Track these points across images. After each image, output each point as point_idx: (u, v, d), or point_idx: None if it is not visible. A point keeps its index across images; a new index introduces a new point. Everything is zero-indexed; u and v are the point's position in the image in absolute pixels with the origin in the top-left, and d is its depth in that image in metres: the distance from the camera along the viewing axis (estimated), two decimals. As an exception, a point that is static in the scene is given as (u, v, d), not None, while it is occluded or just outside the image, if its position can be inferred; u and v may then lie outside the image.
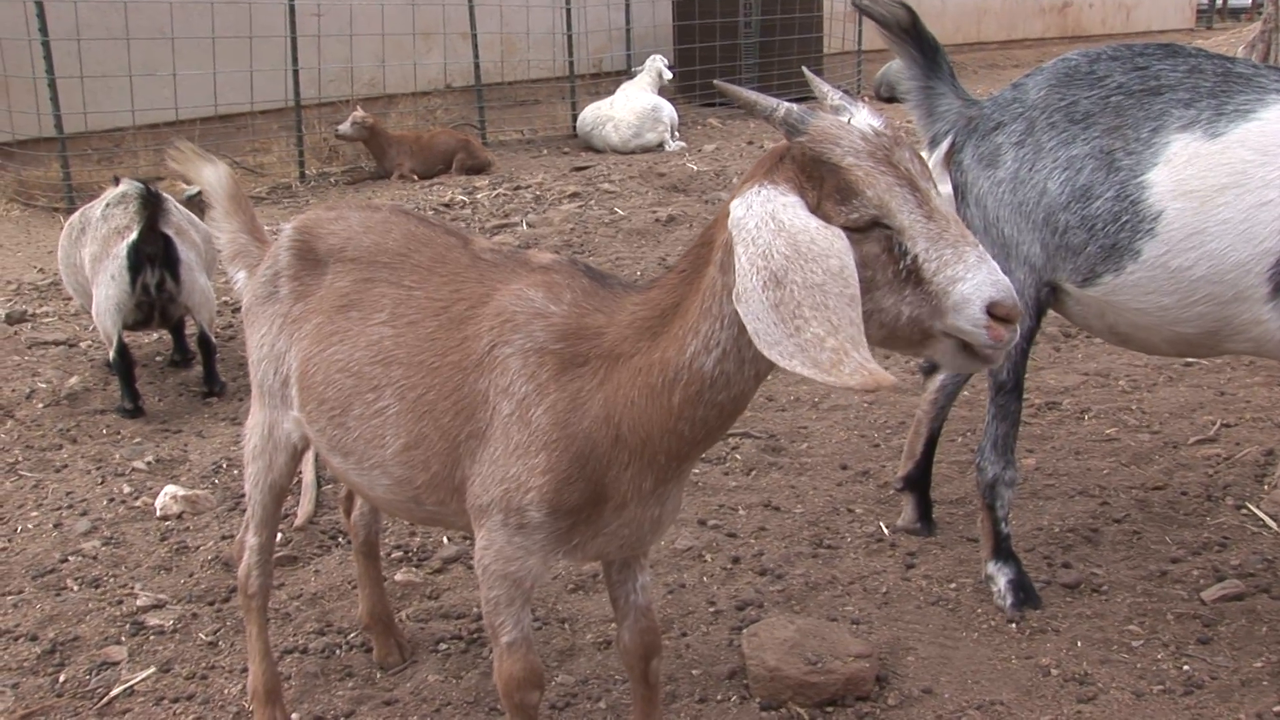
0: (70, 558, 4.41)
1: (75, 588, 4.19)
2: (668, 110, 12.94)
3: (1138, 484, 4.26)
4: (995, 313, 1.90)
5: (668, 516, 2.48)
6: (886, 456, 4.63)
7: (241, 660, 3.65)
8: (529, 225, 9.26)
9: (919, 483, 4.08)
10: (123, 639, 3.81)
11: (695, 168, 11.00)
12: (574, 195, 10.34)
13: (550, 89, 14.82)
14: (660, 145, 12.77)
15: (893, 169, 1.95)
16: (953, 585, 3.69)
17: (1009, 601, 3.49)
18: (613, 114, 12.95)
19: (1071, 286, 3.29)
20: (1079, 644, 3.32)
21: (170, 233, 5.73)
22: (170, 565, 4.29)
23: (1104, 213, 3.14)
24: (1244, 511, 4.03)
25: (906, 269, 1.95)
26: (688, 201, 9.72)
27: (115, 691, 3.51)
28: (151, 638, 3.82)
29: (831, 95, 2.14)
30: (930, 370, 4.13)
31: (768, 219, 1.95)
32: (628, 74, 14.32)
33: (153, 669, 3.61)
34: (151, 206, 5.58)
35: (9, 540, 4.62)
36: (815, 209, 1.97)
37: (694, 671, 3.33)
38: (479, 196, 10.62)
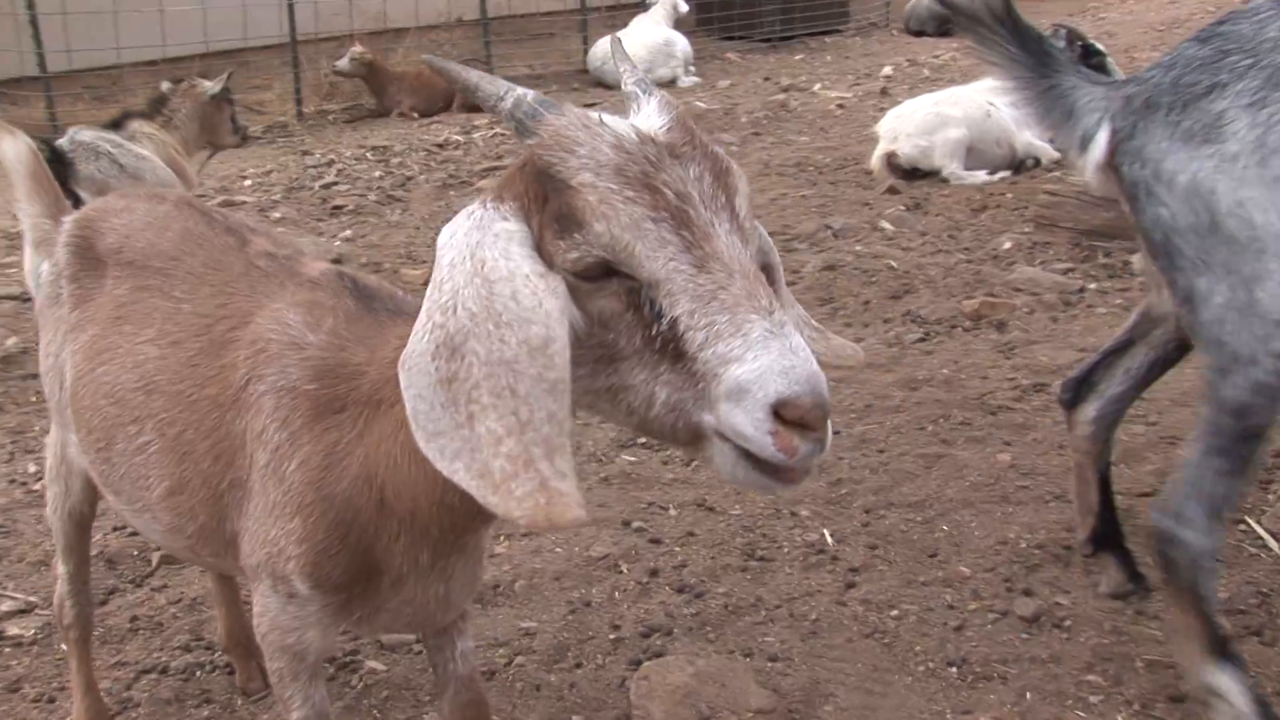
0: (-52, 552, 4.05)
1: (-52, 584, 3.84)
2: (681, 44, 12.32)
3: (1124, 488, 3.68)
4: (785, 414, 1.34)
5: (458, 593, 2.03)
6: (847, 446, 4.11)
7: (104, 674, 3.28)
8: (521, 169, 8.75)
9: (1110, 537, 3.27)
10: (-25, 652, 3.45)
11: (704, 105, 10.42)
12: (573, 136, 9.80)
13: (563, 22, 14.20)
14: (673, 81, 12.17)
15: (649, 194, 1.41)
16: (894, 613, 3.18)
17: None
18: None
19: None
20: (1027, 696, 2.81)
21: (83, 193, 5.30)
22: (52, 561, 3.90)
23: None
24: (1242, 528, 3.46)
25: (662, 337, 1.42)
26: (690, 143, 9.14)
27: (-53, 719, 3.16)
28: (7, 650, 3.45)
29: (628, 77, 1.62)
30: (1074, 401, 3.28)
31: (467, 256, 1.46)
32: (643, 6, 13.64)
33: (-3, 691, 3.25)
34: (56, 169, 5.15)
35: (-104, 529, 4.26)
36: (539, 242, 1.48)
37: (574, 718, 2.88)
38: (475, 136, 10.13)
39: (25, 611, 3.61)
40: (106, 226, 2.45)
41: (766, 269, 1.74)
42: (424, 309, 1.47)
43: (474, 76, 1.55)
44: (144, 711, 3.12)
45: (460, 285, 1.43)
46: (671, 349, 1.41)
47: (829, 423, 1.38)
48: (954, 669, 2.93)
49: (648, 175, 1.42)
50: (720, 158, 1.49)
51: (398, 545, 1.86)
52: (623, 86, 1.60)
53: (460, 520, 1.80)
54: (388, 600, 1.95)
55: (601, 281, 1.44)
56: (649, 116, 1.52)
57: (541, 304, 1.40)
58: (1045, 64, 2.86)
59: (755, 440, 1.36)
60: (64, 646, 2.98)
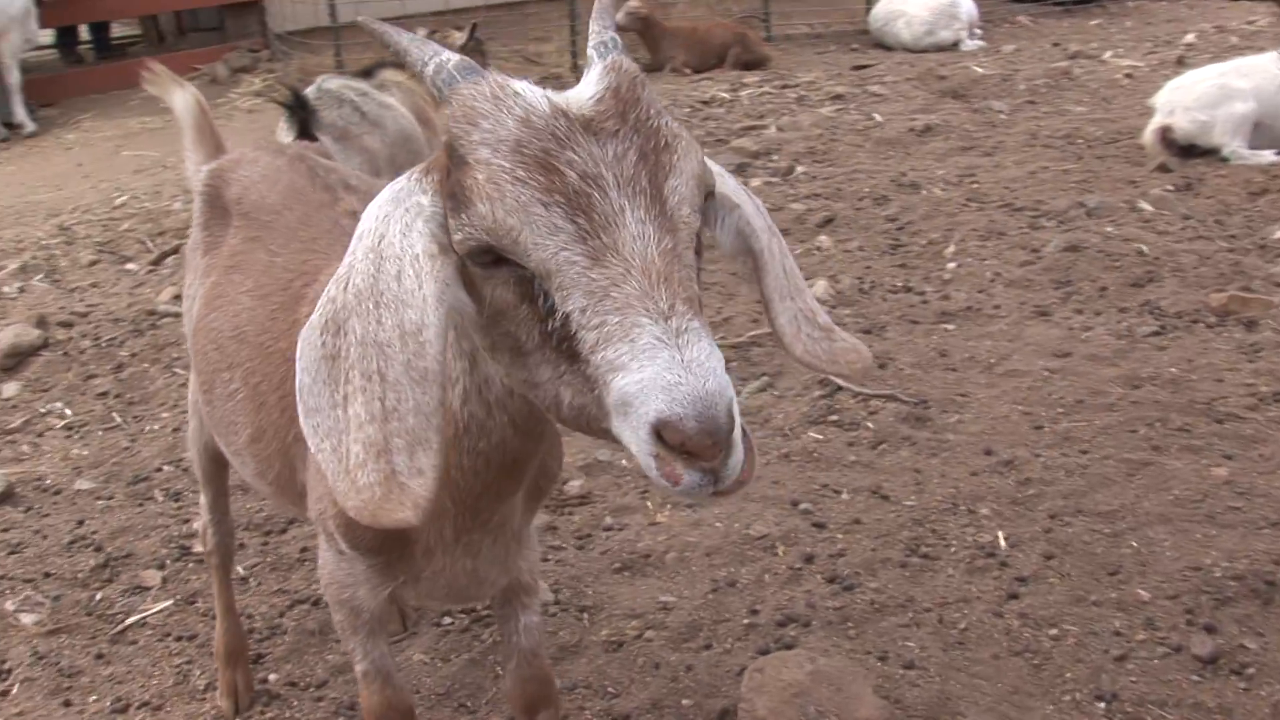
0: (166, 466, 4.34)
1: (159, 499, 4.12)
2: (966, 6, 11.63)
3: (1362, 523, 3.21)
4: (667, 438, 1.19)
5: (488, 570, 1.97)
6: (1046, 443, 3.76)
7: (264, 599, 3.44)
8: (779, 129, 8.55)
9: None
10: (166, 563, 3.69)
11: (981, 71, 9.83)
12: (837, 97, 9.48)
13: (849, -21, 13.73)
14: (955, 44, 11.54)
15: (544, 174, 1.27)
16: (1052, 632, 2.88)
17: None
18: (905, 9, 11.80)
19: None
20: (1181, 746, 2.49)
21: (325, 139, 5.45)
22: (248, 485, 4.10)
23: None
24: None
25: (557, 334, 1.28)
26: (955, 109, 8.66)
27: (130, 620, 3.39)
28: (190, 566, 3.68)
29: (594, 35, 1.47)
30: None
31: (373, 229, 1.37)
32: (931, -36, 12.99)
33: (173, 601, 3.48)
34: (300, 115, 5.32)
35: (133, 440, 4.61)
36: (446, 221, 1.37)
37: (684, 701, 2.76)
38: (742, 95, 9.95)
39: (213, 531, 3.81)
40: (233, 177, 2.52)
41: (750, 255, 1.56)
42: (330, 280, 1.39)
43: (404, 40, 1.46)
44: (288, 639, 3.23)
45: (358, 260, 1.36)
46: (567, 348, 1.27)
47: (733, 451, 1.21)
48: (1102, 704, 2.62)
49: (548, 153, 1.28)
50: (661, 133, 1.33)
51: None
52: (590, 44, 1.46)
53: (470, 498, 1.74)
54: (422, 569, 1.91)
55: (492, 268, 1.32)
56: (584, 85, 1.38)
57: (421, 287, 1.31)
58: None
59: (641, 460, 1.22)
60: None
